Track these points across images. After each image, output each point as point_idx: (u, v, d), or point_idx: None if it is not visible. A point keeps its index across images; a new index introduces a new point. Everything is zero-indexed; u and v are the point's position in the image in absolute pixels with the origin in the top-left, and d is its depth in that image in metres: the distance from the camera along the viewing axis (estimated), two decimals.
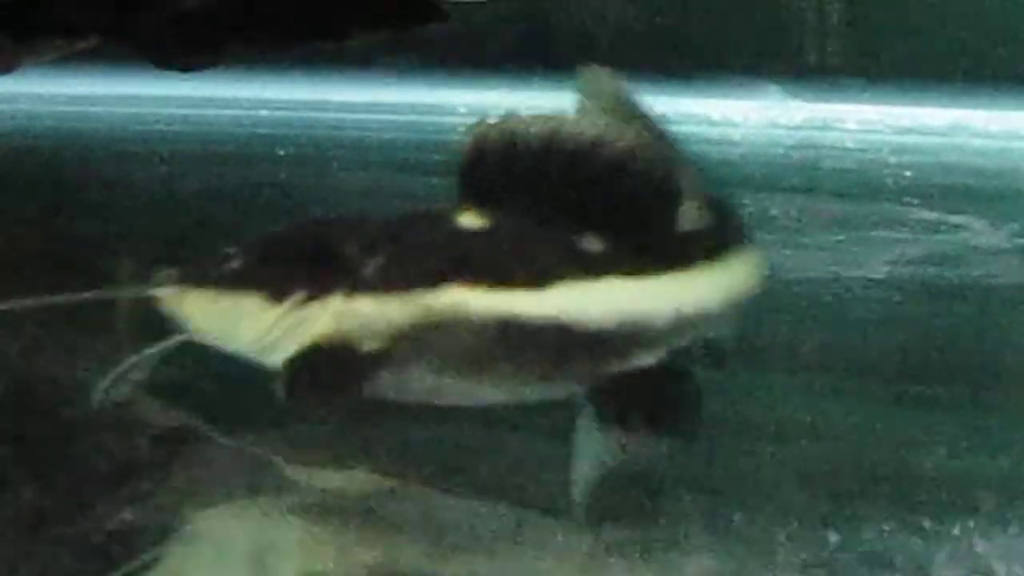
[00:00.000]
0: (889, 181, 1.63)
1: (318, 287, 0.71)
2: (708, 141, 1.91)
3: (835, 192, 1.57)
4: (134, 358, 0.76)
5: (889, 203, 1.47)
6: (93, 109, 1.95)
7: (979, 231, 1.34)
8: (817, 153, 1.83)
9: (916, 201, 1.46)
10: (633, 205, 0.73)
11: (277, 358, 0.72)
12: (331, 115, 1.96)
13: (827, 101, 2.04)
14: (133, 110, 1.93)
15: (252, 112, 1.92)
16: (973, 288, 1.13)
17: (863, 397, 0.88)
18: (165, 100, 1.87)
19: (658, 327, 0.72)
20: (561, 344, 0.71)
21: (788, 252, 1.21)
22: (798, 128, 1.97)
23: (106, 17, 1.13)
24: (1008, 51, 2.08)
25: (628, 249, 0.72)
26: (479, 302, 0.70)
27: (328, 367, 0.71)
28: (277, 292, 0.72)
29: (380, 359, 0.71)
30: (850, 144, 1.91)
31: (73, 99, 1.95)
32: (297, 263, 0.73)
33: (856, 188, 1.60)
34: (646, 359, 0.73)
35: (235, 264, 0.74)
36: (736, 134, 1.95)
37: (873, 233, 1.32)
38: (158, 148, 1.68)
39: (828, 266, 1.19)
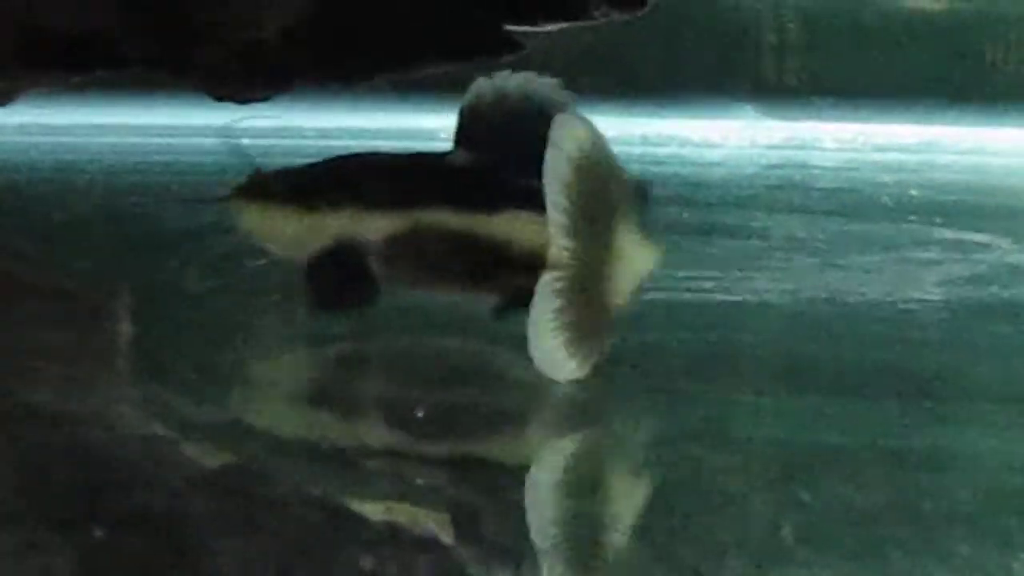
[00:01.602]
0: (889, 200, 1.64)
1: (336, 202, 0.93)
2: (689, 162, 1.93)
3: (841, 212, 1.56)
4: None
5: (910, 223, 1.47)
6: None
7: (1008, 250, 1.34)
8: (803, 173, 1.84)
9: (938, 220, 1.46)
10: None
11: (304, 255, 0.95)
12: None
13: (801, 120, 2.06)
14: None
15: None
16: None
17: (969, 421, 0.88)
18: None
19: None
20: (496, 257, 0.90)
21: (837, 275, 1.21)
22: (777, 147, 1.98)
23: (161, 48, 1.11)
24: (974, 70, 2.12)
25: None
26: (450, 219, 0.91)
27: (340, 259, 0.93)
28: (308, 205, 0.94)
29: (377, 255, 0.93)
30: (832, 163, 1.92)
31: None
32: (323, 185, 0.95)
33: (862, 208, 1.59)
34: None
35: (283, 184, 0.96)
36: (716, 155, 1.96)
37: (907, 254, 1.31)
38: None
39: (881, 288, 1.18)
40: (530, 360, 0.84)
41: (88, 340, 1.04)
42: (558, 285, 0.83)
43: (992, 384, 0.96)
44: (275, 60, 1.10)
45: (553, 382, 0.85)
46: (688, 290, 1.12)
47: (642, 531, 0.70)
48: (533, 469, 0.83)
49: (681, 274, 1.14)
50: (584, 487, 0.80)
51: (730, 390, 0.92)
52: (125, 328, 1.11)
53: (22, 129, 1.81)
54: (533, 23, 1.10)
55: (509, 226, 0.90)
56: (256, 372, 1.00)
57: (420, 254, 0.92)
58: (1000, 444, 0.84)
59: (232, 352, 1.00)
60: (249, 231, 0.98)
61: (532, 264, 0.86)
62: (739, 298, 1.14)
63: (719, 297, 1.13)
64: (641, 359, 0.95)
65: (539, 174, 0.85)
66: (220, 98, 1.13)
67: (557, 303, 0.83)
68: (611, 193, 0.87)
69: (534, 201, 0.86)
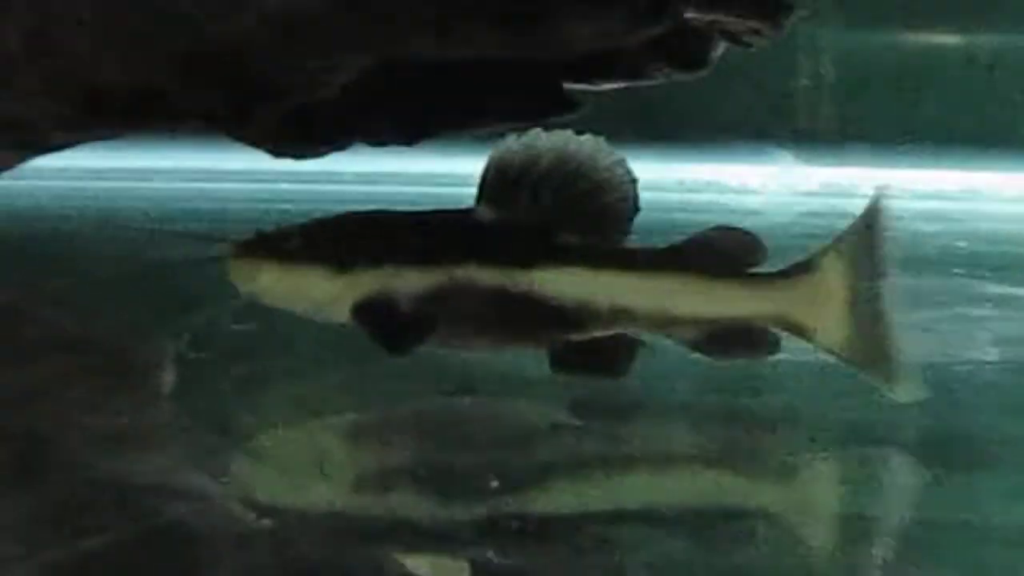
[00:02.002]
0: (934, 251, 1.63)
1: (369, 261, 0.93)
2: (727, 209, 1.92)
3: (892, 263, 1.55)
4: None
5: (957, 276, 1.46)
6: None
7: None
8: (844, 221, 1.83)
9: (987, 274, 1.45)
10: (602, 215, 0.94)
11: (338, 315, 0.94)
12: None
13: (836, 166, 2.06)
14: None
15: None
16: None
17: None
18: None
19: (604, 310, 0.92)
20: (535, 313, 0.92)
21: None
22: (816, 194, 1.98)
23: (222, 104, 1.11)
24: (1014, 116, 2.12)
25: (595, 247, 0.94)
26: (483, 276, 0.92)
27: (381, 317, 0.93)
28: (340, 264, 0.93)
29: (416, 315, 0.93)
30: None
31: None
32: (351, 242, 0.94)
33: (907, 259, 1.58)
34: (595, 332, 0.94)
35: (297, 242, 0.95)
36: (754, 201, 1.96)
37: (960, 310, 1.30)
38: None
39: (940, 349, 1.15)
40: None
41: (128, 392, 1.04)
42: None
43: None
44: (334, 118, 1.10)
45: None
46: None
47: None
48: None
49: None
50: None
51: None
52: (166, 380, 1.11)
53: (63, 173, 1.81)
54: (592, 82, 1.11)
55: (549, 283, 0.92)
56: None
57: (454, 311, 0.93)
58: None
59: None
60: (256, 293, 0.96)
61: (572, 320, 0.91)
62: (801, 359, 1.12)
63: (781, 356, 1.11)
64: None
65: (578, 230, 0.92)
66: (278, 154, 1.13)
67: None
68: None
69: (570, 257, 0.91)
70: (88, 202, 1.71)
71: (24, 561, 0.68)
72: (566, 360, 0.94)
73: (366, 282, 0.93)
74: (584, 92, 1.11)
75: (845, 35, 2.15)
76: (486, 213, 0.94)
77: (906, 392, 0.91)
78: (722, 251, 0.93)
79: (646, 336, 0.94)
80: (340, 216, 0.97)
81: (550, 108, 1.08)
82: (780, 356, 0.96)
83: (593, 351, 0.93)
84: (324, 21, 1.00)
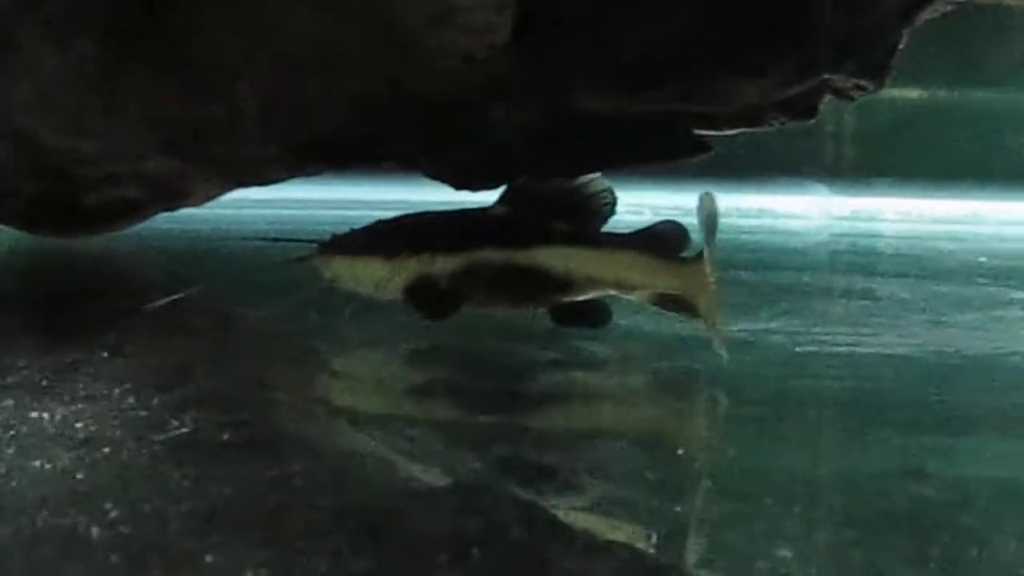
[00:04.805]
0: (956, 264, 1.64)
1: (412, 251, 1.02)
2: (776, 231, 1.93)
3: (921, 275, 1.55)
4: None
5: (983, 285, 1.46)
6: None
7: None
8: (875, 241, 1.85)
9: (1012, 282, 1.46)
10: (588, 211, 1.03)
11: (392, 293, 1.03)
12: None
13: (863, 196, 2.08)
14: None
15: None
16: None
17: None
18: None
19: (583, 279, 1.02)
20: (535, 282, 1.02)
21: (948, 332, 1.20)
22: (848, 219, 2.00)
23: (420, 149, 1.13)
24: (1007, 153, 2.13)
25: (577, 234, 1.02)
26: (497, 257, 1.01)
27: (424, 293, 1.02)
28: (390, 254, 1.02)
29: (449, 290, 1.02)
30: (895, 232, 1.93)
31: None
32: (400, 238, 1.03)
33: (940, 272, 1.58)
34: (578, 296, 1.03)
35: (360, 240, 1.04)
36: (797, 224, 1.97)
37: (996, 313, 1.30)
38: None
39: (990, 344, 1.16)
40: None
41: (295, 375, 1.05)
42: None
43: None
44: (509, 160, 1.11)
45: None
46: (838, 344, 1.12)
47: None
48: None
49: (816, 329, 1.15)
50: None
51: (887, 431, 0.91)
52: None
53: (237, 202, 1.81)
54: (718, 128, 1.12)
55: (546, 259, 1.01)
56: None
57: (477, 283, 1.02)
58: None
59: None
60: (334, 278, 1.05)
61: (562, 286, 1.02)
62: (873, 350, 1.12)
63: (859, 350, 1.12)
64: (805, 404, 0.97)
65: (565, 221, 1.02)
66: (460, 188, 1.15)
67: None
68: None
69: (559, 239, 1.02)
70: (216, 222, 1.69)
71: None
72: (559, 316, 1.04)
73: (411, 267, 1.02)
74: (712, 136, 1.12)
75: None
76: (498, 209, 1.04)
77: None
78: (663, 239, 1.02)
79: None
80: (390, 219, 1.06)
81: (687, 150, 1.09)
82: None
83: (577, 309, 1.04)
84: (514, 81, 1.02)
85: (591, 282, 1.02)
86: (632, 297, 1.04)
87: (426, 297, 1.02)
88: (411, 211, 1.07)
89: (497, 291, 1.03)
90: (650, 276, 1.01)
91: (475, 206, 1.06)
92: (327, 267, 1.05)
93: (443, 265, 1.02)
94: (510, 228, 1.02)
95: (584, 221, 1.03)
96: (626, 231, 1.04)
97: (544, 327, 1.05)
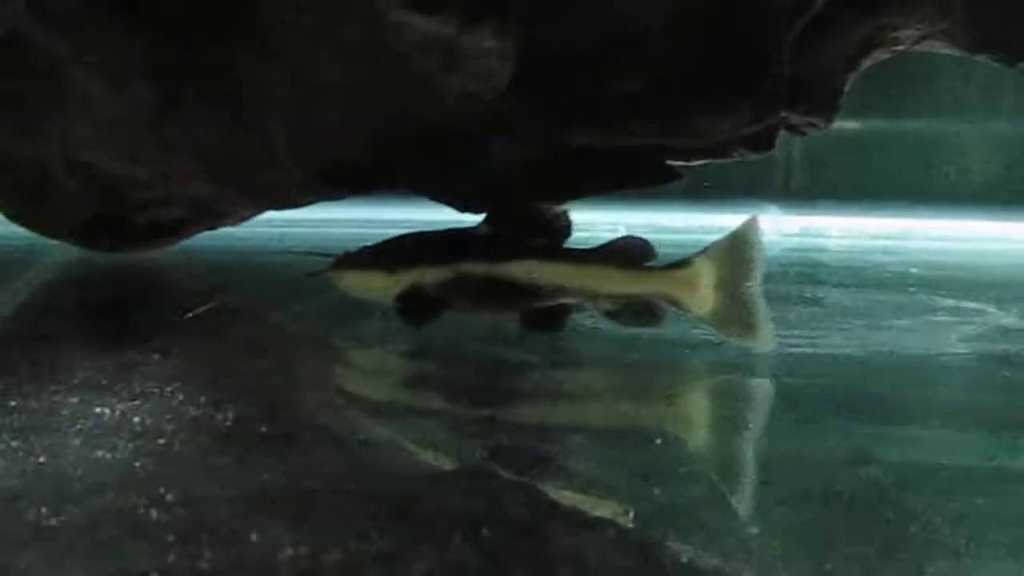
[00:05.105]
0: (890, 275, 1.62)
1: (408, 265, 1.03)
2: None
3: (860, 285, 1.54)
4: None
5: (914, 294, 1.45)
6: None
7: (995, 314, 1.31)
8: (821, 255, 1.85)
9: (941, 291, 1.45)
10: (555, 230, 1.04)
11: (390, 300, 1.04)
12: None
13: (810, 215, 2.08)
14: None
15: None
16: None
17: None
18: None
19: (553, 288, 1.02)
20: (510, 291, 1.02)
21: (885, 334, 1.19)
22: (797, 235, 1.99)
23: (426, 176, 1.13)
24: (934, 178, 2.14)
25: (554, 247, 1.03)
26: (478, 269, 1.01)
27: (412, 301, 1.03)
28: (391, 268, 1.04)
29: (436, 297, 1.02)
30: (838, 247, 1.93)
31: None
32: (398, 254, 1.04)
33: (874, 282, 1.58)
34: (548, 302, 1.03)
35: (366, 256, 1.06)
36: None
37: (927, 318, 1.29)
38: None
39: (921, 344, 1.17)
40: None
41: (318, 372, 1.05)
42: None
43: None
44: (506, 187, 1.11)
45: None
46: (790, 346, 1.11)
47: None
48: None
49: (776, 333, 1.15)
50: None
51: (835, 420, 0.90)
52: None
53: (268, 222, 1.80)
54: (687, 159, 1.12)
55: (519, 271, 1.02)
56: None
57: (462, 291, 1.02)
58: None
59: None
60: (345, 288, 1.07)
61: (536, 294, 1.02)
62: (821, 350, 1.12)
63: (808, 350, 1.11)
64: (762, 397, 0.96)
65: (541, 238, 1.02)
66: (464, 210, 1.14)
67: None
68: None
69: (531, 255, 1.02)
70: (250, 239, 1.68)
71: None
72: (532, 320, 1.05)
73: (406, 278, 1.04)
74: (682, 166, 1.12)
75: None
76: (481, 229, 1.05)
77: (760, 345, 0.99)
78: (627, 252, 1.03)
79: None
80: (389, 239, 1.08)
81: (662, 178, 1.10)
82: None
83: (547, 314, 1.04)
84: (513, 119, 1.02)
85: (559, 290, 1.03)
86: (598, 305, 1.03)
87: (414, 304, 1.03)
88: (412, 230, 1.09)
89: (478, 299, 1.04)
90: (621, 284, 1.01)
91: (461, 226, 1.07)
92: (339, 279, 1.07)
93: (433, 276, 1.03)
94: (490, 245, 1.03)
95: (551, 239, 1.04)
96: (587, 247, 1.05)
97: (516, 329, 1.06)
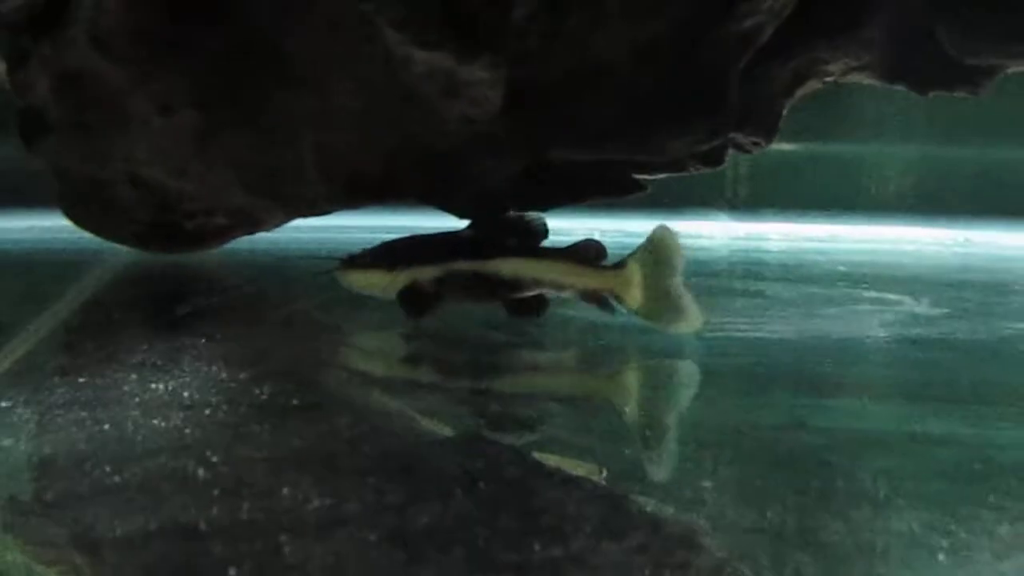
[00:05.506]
0: (821, 271, 1.61)
1: (406, 264, 1.02)
2: (689, 249, 1.91)
3: (797, 280, 1.53)
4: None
5: (841, 288, 1.43)
6: None
7: (910, 304, 1.31)
8: (764, 255, 1.85)
9: (865, 285, 1.44)
10: (531, 232, 1.03)
11: (390, 296, 1.03)
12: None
13: (754, 222, 2.08)
14: None
15: None
16: (945, 339, 1.10)
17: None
18: None
19: (529, 281, 1.01)
20: (495, 284, 1.01)
21: (818, 321, 1.19)
22: (743, 239, 1.99)
23: (431, 187, 1.12)
24: (859, 190, 2.14)
25: (532, 248, 1.02)
26: (466, 266, 1.01)
27: (412, 296, 1.02)
28: (390, 267, 1.03)
29: (432, 292, 1.01)
30: (778, 248, 1.93)
31: None
32: (396, 255, 1.03)
33: (809, 277, 1.57)
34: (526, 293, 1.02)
35: (368, 257, 1.04)
36: (707, 243, 1.97)
37: (853, 307, 1.28)
38: None
39: (847, 328, 1.16)
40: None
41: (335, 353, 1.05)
42: None
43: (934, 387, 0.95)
44: (498, 197, 1.10)
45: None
46: (736, 330, 1.11)
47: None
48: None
49: (720, 320, 1.15)
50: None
51: (776, 394, 0.90)
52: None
53: (297, 228, 1.78)
54: (651, 173, 1.12)
55: (501, 267, 1.01)
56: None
57: (453, 286, 1.02)
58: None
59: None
60: (350, 286, 1.06)
61: (513, 286, 1.01)
62: (763, 335, 1.11)
63: (753, 335, 1.11)
64: (712, 374, 0.95)
65: (519, 240, 1.01)
66: (462, 217, 1.13)
67: None
68: None
69: (514, 253, 1.01)
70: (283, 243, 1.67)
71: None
72: (514, 309, 1.03)
73: (404, 276, 1.03)
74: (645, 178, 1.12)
75: None
76: (467, 232, 1.05)
77: (688, 329, 0.98)
78: (584, 252, 1.01)
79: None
80: (389, 241, 1.07)
81: (629, 189, 1.09)
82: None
83: (526, 303, 1.03)
84: (504, 137, 1.02)
85: (535, 283, 1.02)
86: (564, 295, 1.03)
87: (413, 299, 1.03)
88: (406, 235, 1.09)
89: (467, 291, 1.03)
90: (582, 278, 1.01)
91: (451, 230, 1.06)
92: (344, 277, 1.06)
93: (427, 274, 1.02)
94: (476, 245, 1.03)
95: (528, 240, 1.03)
96: (555, 247, 1.04)
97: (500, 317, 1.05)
